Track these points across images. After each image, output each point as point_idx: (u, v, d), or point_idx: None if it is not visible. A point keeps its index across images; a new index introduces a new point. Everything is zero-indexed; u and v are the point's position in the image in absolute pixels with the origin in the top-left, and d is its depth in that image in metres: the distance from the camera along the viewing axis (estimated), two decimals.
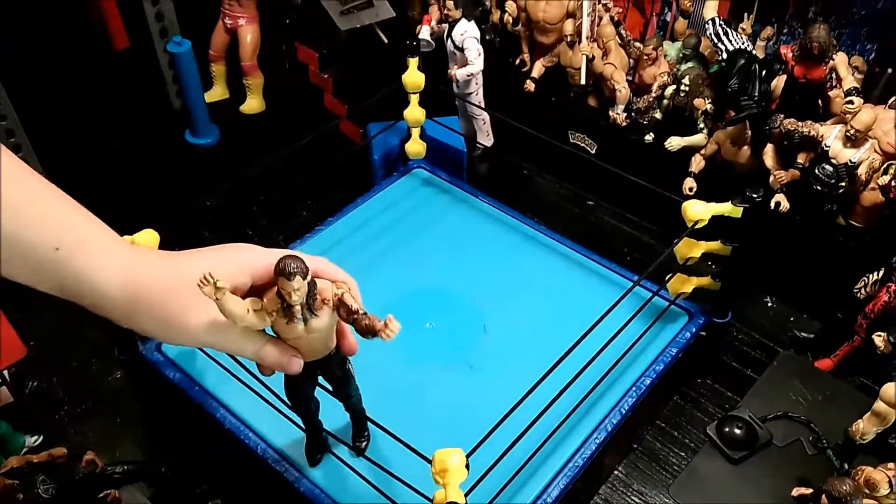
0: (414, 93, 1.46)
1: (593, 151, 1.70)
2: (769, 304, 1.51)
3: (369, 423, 1.06)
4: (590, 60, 1.59)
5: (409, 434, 0.97)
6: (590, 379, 1.12)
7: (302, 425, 1.06)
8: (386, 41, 1.87)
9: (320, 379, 0.91)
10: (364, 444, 1.08)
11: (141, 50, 1.97)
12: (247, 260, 0.74)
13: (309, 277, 0.72)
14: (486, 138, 1.82)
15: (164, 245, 1.09)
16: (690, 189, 1.51)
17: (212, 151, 1.87)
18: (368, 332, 0.73)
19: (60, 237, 0.65)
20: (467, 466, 0.86)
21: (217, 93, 1.98)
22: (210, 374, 1.20)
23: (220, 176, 1.74)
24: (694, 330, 1.29)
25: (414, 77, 1.43)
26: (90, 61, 2.04)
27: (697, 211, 1.16)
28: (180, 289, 0.70)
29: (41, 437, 1.26)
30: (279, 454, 1.11)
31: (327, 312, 0.75)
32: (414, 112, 1.47)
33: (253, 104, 1.95)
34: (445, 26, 1.70)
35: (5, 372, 1.28)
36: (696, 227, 1.17)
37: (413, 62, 1.43)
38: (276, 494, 1.16)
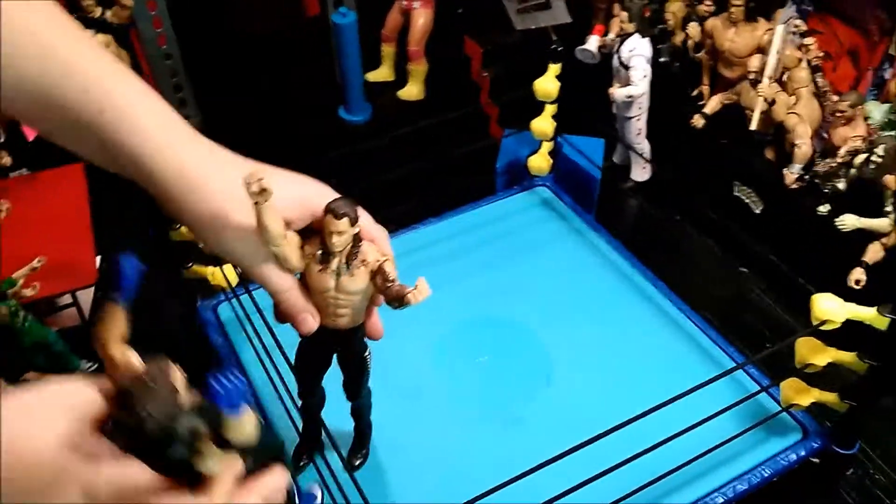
0: (547, 102, 1.30)
1: (758, 211, 1.45)
2: None
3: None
4: (770, 104, 1.34)
5: (412, 479, 0.92)
6: (651, 470, 0.92)
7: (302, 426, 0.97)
8: (559, 48, 1.72)
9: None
10: (359, 462, 0.98)
11: (326, 19, 1.97)
12: (315, 194, 0.67)
13: (356, 229, 0.67)
14: (640, 172, 1.62)
15: None
16: (857, 282, 1.22)
17: (357, 130, 1.82)
18: (398, 298, 0.69)
19: (106, 99, 0.59)
20: None
21: (383, 73, 1.93)
22: (247, 351, 1.15)
23: (356, 155, 1.70)
24: (803, 453, 1.03)
25: (547, 84, 1.27)
26: (283, 24, 2.08)
27: (827, 309, 0.91)
28: (232, 187, 0.62)
29: (96, 365, 1.27)
30: None
31: (363, 277, 0.70)
32: (542, 123, 1.32)
33: (412, 90, 1.88)
34: (618, 41, 1.52)
35: (81, 297, 1.30)
36: (823, 327, 0.92)
37: (553, 69, 1.28)
38: None
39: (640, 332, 1.19)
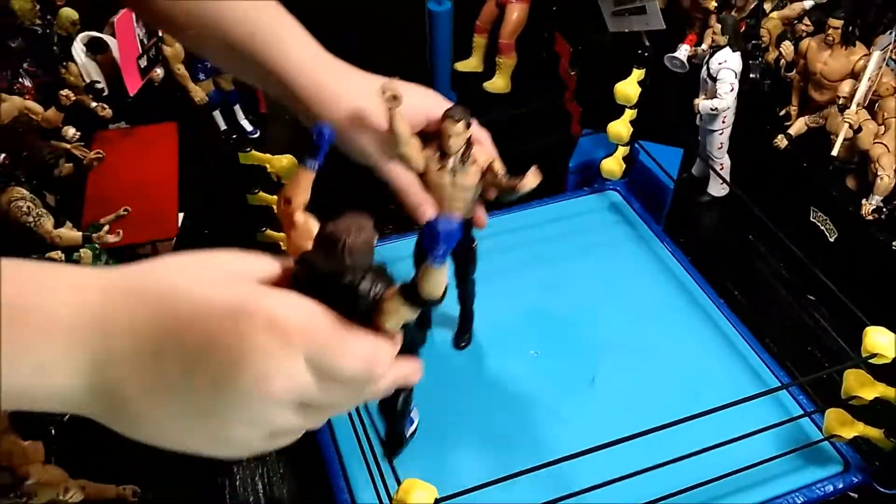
0: (626, 106, 1.31)
1: (832, 240, 1.42)
2: None
3: None
4: (855, 132, 1.31)
5: (446, 460, 0.98)
6: (683, 481, 0.94)
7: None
8: (645, 54, 1.71)
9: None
10: (464, 344, 1.14)
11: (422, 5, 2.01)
12: (434, 104, 0.80)
13: (469, 133, 0.79)
14: (717, 188, 1.60)
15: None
16: None
17: None
18: (511, 188, 0.81)
19: (256, 23, 0.71)
20: None
21: (471, 64, 1.96)
22: None
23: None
24: (841, 486, 1.02)
25: (627, 89, 1.28)
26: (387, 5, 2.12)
27: (879, 342, 0.90)
28: (364, 99, 0.73)
29: None
30: None
31: (475, 174, 0.82)
32: (619, 127, 1.32)
33: (498, 83, 1.90)
34: (709, 52, 1.50)
35: (161, 248, 1.38)
36: (872, 360, 0.91)
37: (636, 73, 1.29)
38: None
39: (692, 347, 1.19)
